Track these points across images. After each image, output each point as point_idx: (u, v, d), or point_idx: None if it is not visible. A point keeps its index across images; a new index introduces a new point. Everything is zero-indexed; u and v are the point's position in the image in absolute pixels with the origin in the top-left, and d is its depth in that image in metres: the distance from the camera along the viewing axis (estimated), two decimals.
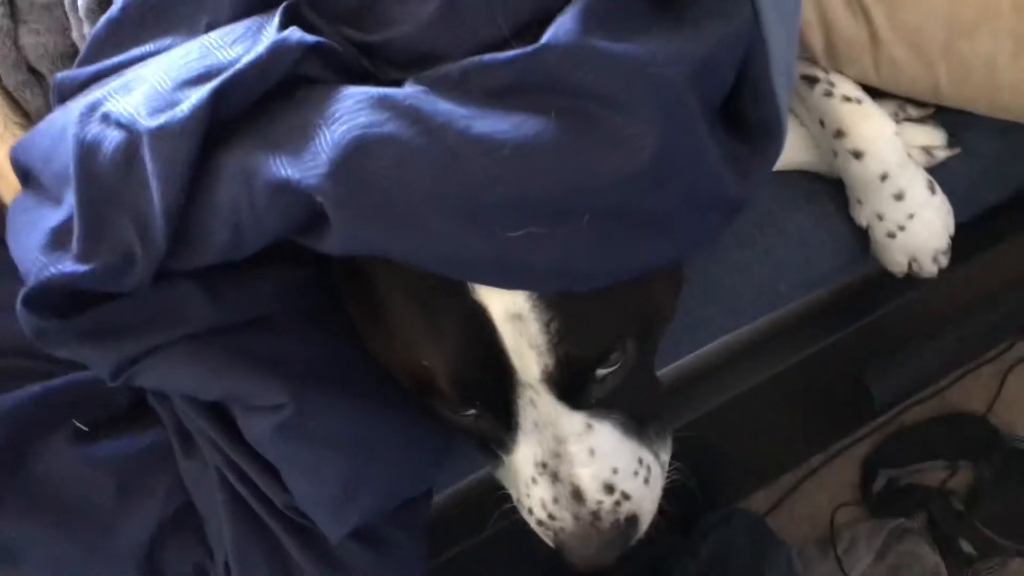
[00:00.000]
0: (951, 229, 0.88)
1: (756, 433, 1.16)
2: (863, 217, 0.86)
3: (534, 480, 0.67)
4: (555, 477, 0.66)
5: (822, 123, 0.84)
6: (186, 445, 0.67)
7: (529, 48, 0.54)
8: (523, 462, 0.67)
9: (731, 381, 0.96)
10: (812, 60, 0.85)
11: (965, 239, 1.00)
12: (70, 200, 0.57)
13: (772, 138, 0.63)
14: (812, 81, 0.84)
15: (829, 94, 0.83)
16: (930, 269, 0.88)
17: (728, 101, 0.64)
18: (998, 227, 1.04)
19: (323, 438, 0.60)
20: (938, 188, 0.86)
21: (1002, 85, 0.82)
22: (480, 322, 0.60)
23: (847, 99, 0.83)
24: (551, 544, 0.70)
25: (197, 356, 0.60)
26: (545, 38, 0.55)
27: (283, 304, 0.64)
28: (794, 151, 0.88)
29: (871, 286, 1.02)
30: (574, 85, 0.54)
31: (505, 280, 0.58)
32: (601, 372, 0.64)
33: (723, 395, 0.96)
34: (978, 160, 0.91)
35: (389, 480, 0.63)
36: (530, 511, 0.69)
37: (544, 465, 0.66)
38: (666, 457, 0.72)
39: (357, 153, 0.53)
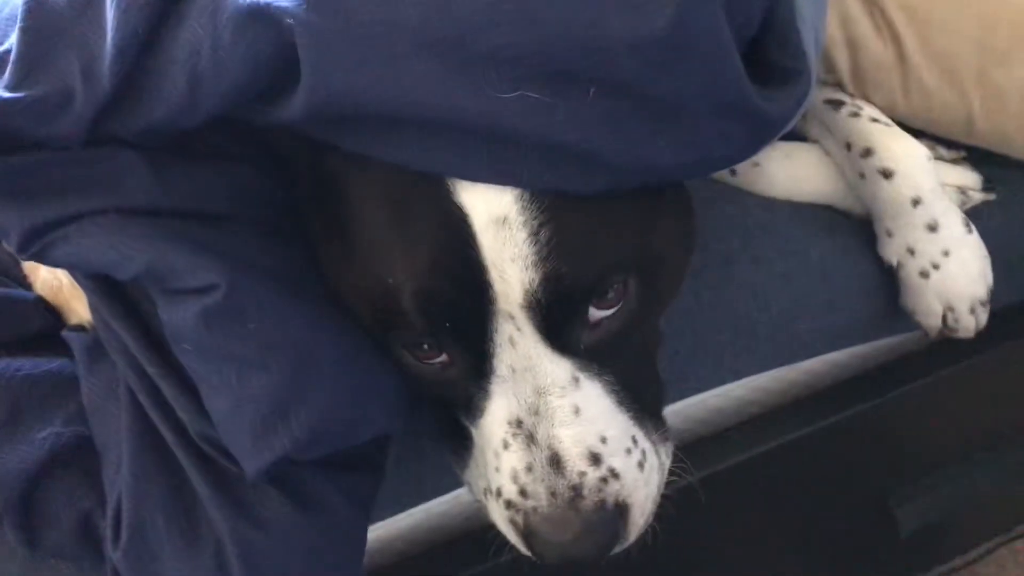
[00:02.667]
0: (989, 279, 0.79)
1: (756, 539, 1.01)
2: (893, 253, 0.79)
3: (506, 444, 0.55)
4: (531, 439, 0.54)
5: (848, 146, 0.79)
6: (95, 362, 0.57)
7: None
8: (494, 422, 0.56)
9: (739, 443, 0.85)
10: (838, 85, 0.81)
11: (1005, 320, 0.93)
12: (13, 38, 0.51)
13: (797, 82, 0.57)
14: (838, 105, 0.80)
15: (856, 115, 0.79)
16: (967, 323, 0.79)
17: (755, 51, 0.59)
18: None
19: (254, 334, 0.50)
20: (974, 229, 0.79)
21: None
22: (459, 229, 0.52)
23: (875, 120, 0.78)
24: (518, 540, 0.57)
25: (124, 227, 0.51)
26: None
27: (236, 206, 0.55)
28: (817, 181, 0.82)
29: (900, 361, 0.92)
30: None
31: (491, 163, 0.50)
32: (595, 313, 0.55)
33: (727, 459, 0.84)
34: (1017, 217, 0.85)
35: (327, 406, 0.52)
36: (498, 494, 0.56)
37: (519, 423, 0.55)
38: (667, 460, 0.61)
39: None
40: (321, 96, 0.48)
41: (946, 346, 0.96)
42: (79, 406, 0.57)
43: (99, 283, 0.54)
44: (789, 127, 0.60)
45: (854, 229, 0.81)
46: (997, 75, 0.77)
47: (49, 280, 0.62)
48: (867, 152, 0.77)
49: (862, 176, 0.78)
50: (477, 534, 0.77)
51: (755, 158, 0.83)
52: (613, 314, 0.55)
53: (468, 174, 0.51)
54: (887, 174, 0.76)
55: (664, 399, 0.64)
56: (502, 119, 0.48)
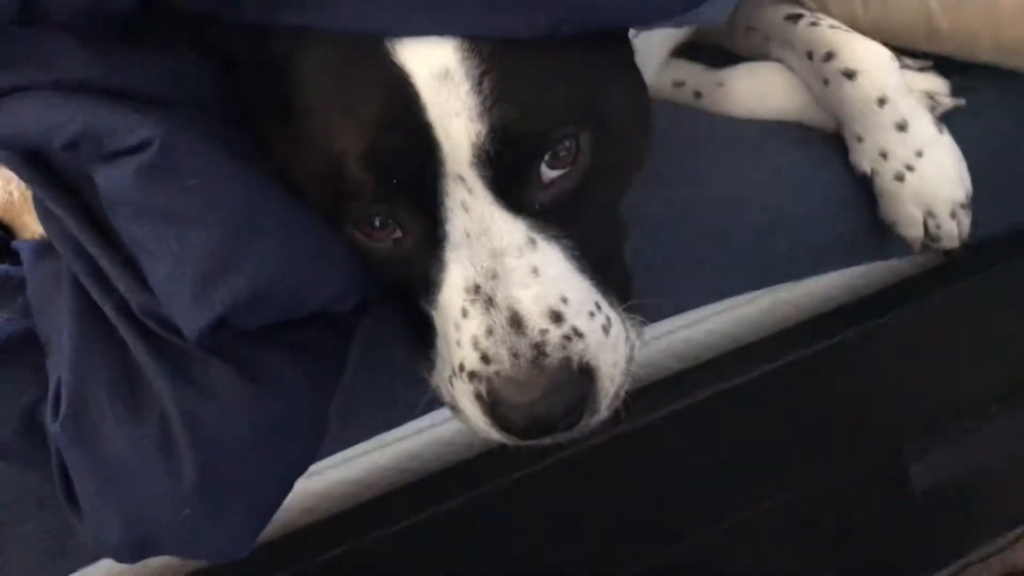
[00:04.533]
0: (967, 182, 0.78)
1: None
2: (865, 158, 0.77)
3: (464, 312, 0.53)
4: (489, 303, 0.52)
5: (810, 55, 0.78)
6: (40, 260, 0.55)
7: None
8: (452, 292, 0.54)
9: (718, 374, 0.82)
10: (796, 2, 0.81)
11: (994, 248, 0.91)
12: None
13: None
14: (797, 18, 0.80)
15: (816, 24, 0.78)
16: (949, 228, 0.77)
17: None
18: None
19: (192, 190, 0.49)
20: (946, 130, 0.77)
21: (1002, 13, 0.76)
22: (402, 89, 0.51)
23: (835, 27, 0.78)
24: (485, 420, 0.54)
25: (58, 95, 0.50)
26: None
27: (177, 91, 0.54)
28: (783, 96, 0.81)
29: (890, 288, 0.90)
30: None
31: (427, 11, 0.49)
32: (548, 172, 0.53)
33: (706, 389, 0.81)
34: (990, 126, 0.83)
35: (270, 266, 0.50)
36: (460, 369, 0.54)
37: (477, 289, 0.53)
38: (636, 339, 0.58)
39: None
40: None
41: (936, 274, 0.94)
42: (25, 302, 0.55)
43: (37, 168, 0.53)
44: (733, 3, 0.60)
45: (827, 142, 0.80)
46: None
47: (1, 195, 0.61)
48: (829, 56, 0.76)
49: (826, 82, 0.77)
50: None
51: (719, 77, 0.82)
52: (567, 173, 0.54)
53: (406, 28, 0.50)
54: (850, 75, 0.75)
55: (631, 288, 0.62)
56: None
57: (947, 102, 0.80)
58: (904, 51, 0.81)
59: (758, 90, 0.81)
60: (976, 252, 0.88)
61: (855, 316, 0.91)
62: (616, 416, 0.57)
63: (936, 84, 0.81)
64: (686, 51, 0.90)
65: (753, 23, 0.85)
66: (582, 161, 0.54)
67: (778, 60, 0.82)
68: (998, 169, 0.86)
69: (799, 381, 0.88)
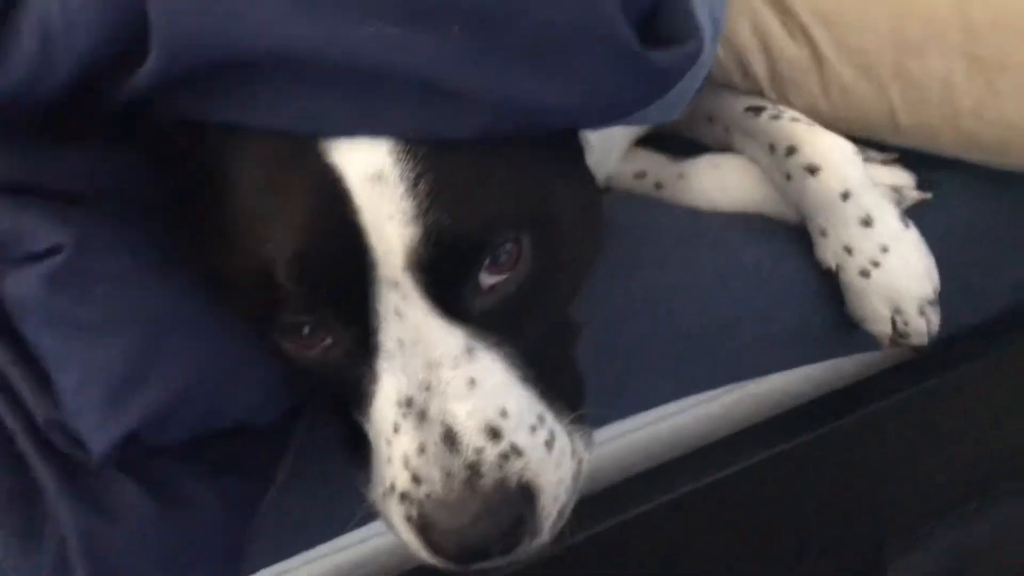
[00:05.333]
0: (935, 278, 0.76)
1: None
2: (830, 253, 0.75)
3: (396, 428, 0.50)
4: (423, 417, 0.49)
5: (772, 148, 0.76)
6: None
7: None
8: (384, 404, 0.50)
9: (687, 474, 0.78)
10: (758, 93, 0.80)
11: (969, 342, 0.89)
12: None
13: (688, 41, 0.56)
14: (759, 110, 0.79)
15: (777, 117, 0.77)
16: (918, 326, 0.75)
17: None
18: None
19: (103, 298, 0.46)
20: (912, 225, 0.76)
21: (962, 109, 0.75)
22: (334, 191, 0.48)
23: (796, 120, 0.76)
24: (416, 542, 0.50)
25: None
26: None
27: (99, 184, 0.52)
28: (745, 189, 0.79)
29: (861, 384, 0.87)
30: None
31: (357, 112, 0.48)
32: (488, 278, 0.51)
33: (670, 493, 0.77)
34: (957, 231, 0.82)
35: (182, 381, 0.46)
36: (391, 489, 0.50)
37: (410, 402, 0.50)
38: (584, 452, 0.55)
39: None
40: (170, 44, 0.45)
41: (909, 368, 0.92)
42: None
43: None
44: (683, 103, 0.58)
45: (790, 235, 0.78)
46: (913, 67, 0.75)
47: None
48: (791, 150, 0.75)
49: (789, 177, 0.75)
50: None
51: (680, 169, 0.81)
52: (508, 277, 0.51)
53: (337, 129, 0.48)
54: (812, 169, 0.73)
55: (583, 393, 0.59)
56: (364, 58, 0.46)
57: (913, 196, 0.79)
58: (869, 143, 0.80)
59: (720, 182, 0.79)
60: (948, 345, 0.86)
61: (828, 410, 0.88)
62: (561, 536, 0.53)
63: (901, 178, 0.80)
64: (649, 140, 0.88)
65: (714, 113, 0.84)
66: (524, 265, 0.51)
67: (741, 151, 0.81)
68: (967, 262, 0.85)
69: (769, 480, 0.85)
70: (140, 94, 0.50)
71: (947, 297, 0.78)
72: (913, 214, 0.79)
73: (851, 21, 0.77)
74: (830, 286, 0.77)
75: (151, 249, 0.51)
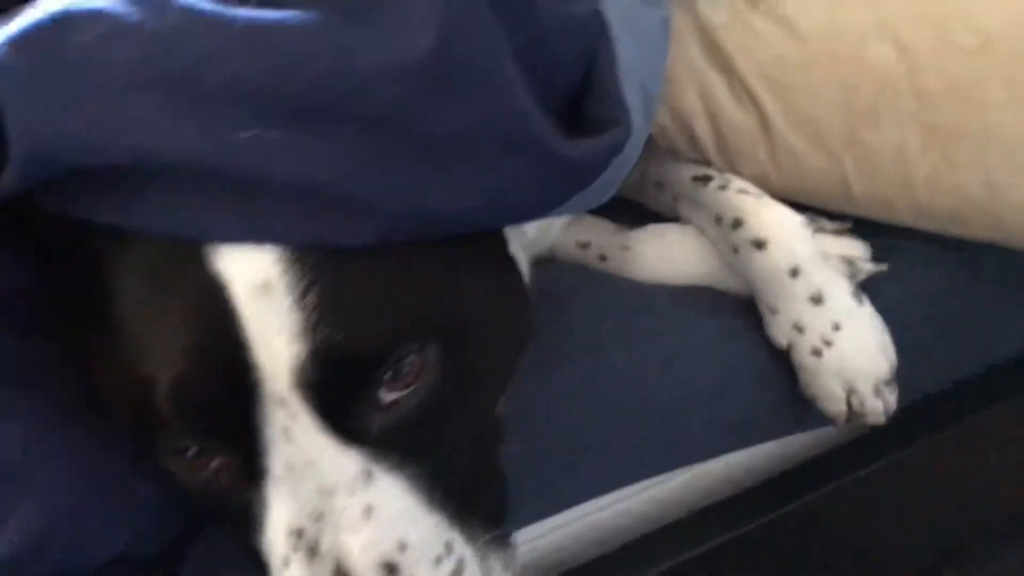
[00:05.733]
0: (891, 355, 0.72)
1: None
2: (780, 332, 0.71)
3: (286, 562, 0.45)
4: (313, 552, 0.45)
5: (719, 220, 0.73)
6: None
7: None
8: (275, 535, 0.46)
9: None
10: (705, 162, 0.77)
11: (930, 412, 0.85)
12: None
13: (612, 130, 0.52)
14: (706, 180, 0.75)
15: (724, 188, 0.73)
16: (874, 406, 0.71)
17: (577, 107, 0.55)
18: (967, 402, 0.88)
19: None
20: (866, 300, 0.72)
21: (917, 179, 0.72)
22: (218, 302, 0.44)
23: (744, 191, 0.73)
24: None
25: None
26: None
27: None
28: (692, 261, 0.75)
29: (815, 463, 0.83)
30: None
31: (241, 217, 0.43)
32: (388, 393, 0.47)
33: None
34: (915, 290, 0.78)
35: (48, 515, 0.42)
36: None
37: (300, 534, 0.45)
38: (505, 574, 0.51)
39: (57, 25, 0.43)
40: (29, 145, 0.41)
41: (868, 443, 0.88)
42: None
43: None
44: (611, 190, 0.55)
45: (740, 310, 0.74)
46: (866, 136, 0.72)
47: None
48: (737, 223, 0.71)
49: (736, 250, 0.72)
50: None
51: (625, 240, 0.77)
52: (411, 392, 0.47)
53: (220, 233, 0.44)
54: (759, 244, 0.70)
55: (507, 500, 0.55)
56: (243, 163, 0.42)
57: (867, 268, 0.75)
58: (821, 211, 0.77)
59: (666, 254, 0.75)
60: (914, 413, 0.82)
61: (787, 488, 0.84)
62: None
63: (855, 249, 0.76)
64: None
65: (662, 180, 0.80)
66: (429, 376, 0.47)
67: (688, 221, 0.77)
68: (927, 329, 0.81)
69: (728, 565, 0.81)
70: (8, 194, 0.46)
71: (908, 366, 0.75)
72: (869, 284, 0.76)
73: (800, 87, 0.73)
74: (783, 363, 0.73)
75: (28, 357, 0.46)
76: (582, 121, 0.55)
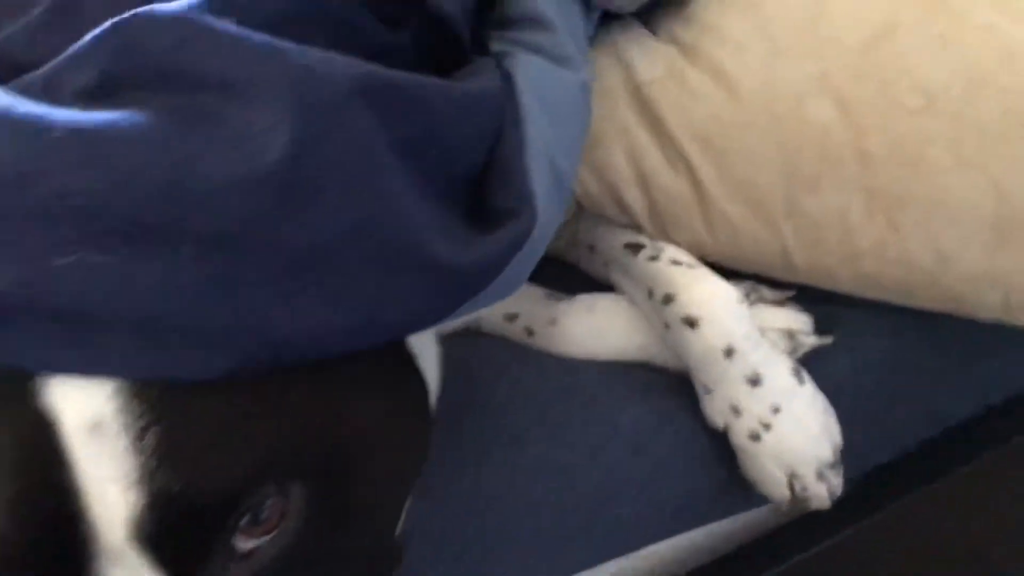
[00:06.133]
0: (836, 437, 0.68)
1: None
2: (716, 414, 0.67)
3: None
4: None
5: (650, 293, 0.68)
6: None
7: (122, 22, 0.41)
8: None
9: None
10: (637, 228, 0.72)
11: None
12: None
13: (511, 224, 0.47)
14: (637, 248, 0.70)
15: (655, 258, 0.69)
16: (818, 491, 0.67)
17: (481, 193, 0.50)
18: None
19: None
20: (808, 379, 0.67)
21: (861, 250, 0.67)
22: (46, 444, 0.38)
23: (676, 262, 0.68)
24: None
25: None
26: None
27: None
28: (624, 335, 0.70)
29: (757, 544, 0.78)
30: (182, 70, 0.40)
31: (71, 346, 0.38)
32: (243, 543, 0.41)
33: None
34: (864, 361, 0.74)
35: None
36: None
37: None
38: None
39: None
40: None
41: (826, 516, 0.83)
42: None
43: None
44: (518, 284, 0.50)
45: (675, 389, 0.69)
46: (808, 204, 0.67)
47: None
48: (668, 299, 0.66)
49: (667, 327, 0.67)
50: None
51: (553, 313, 0.72)
52: (272, 539, 0.41)
53: (47, 364, 0.39)
54: (691, 322, 0.65)
55: None
56: (61, 293, 0.36)
57: (809, 342, 0.71)
58: (761, 277, 0.72)
59: (596, 328, 0.71)
60: (867, 484, 0.78)
61: (738, 568, 0.79)
62: None
63: (797, 321, 0.71)
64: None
65: (595, 244, 0.75)
66: (295, 519, 0.42)
67: (621, 291, 0.72)
68: (877, 401, 0.76)
69: None
70: None
71: (860, 436, 0.71)
72: (813, 356, 0.71)
73: (737, 150, 0.69)
74: (723, 443, 0.68)
75: None
76: (485, 210, 0.50)
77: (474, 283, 0.45)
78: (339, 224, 0.39)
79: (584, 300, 0.72)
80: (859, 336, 0.74)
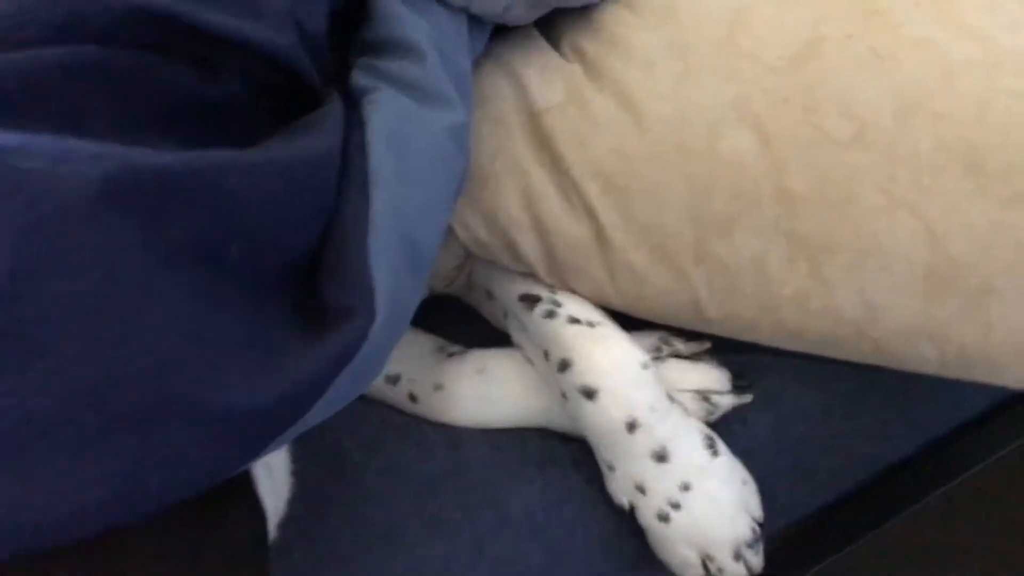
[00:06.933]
0: (755, 511, 0.61)
1: None
2: (620, 492, 0.59)
3: None
4: None
5: (547, 355, 0.60)
6: None
7: None
8: None
9: None
10: (534, 276, 0.63)
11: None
12: None
13: (346, 325, 0.39)
14: (532, 302, 0.62)
15: (552, 315, 0.60)
16: (735, 571, 0.60)
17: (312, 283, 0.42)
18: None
19: None
20: (724, 449, 0.60)
21: (781, 300, 0.59)
22: None
23: (574, 320, 0.60)
24: None
25: None
26: None
27: None
28: (518, 400, 0.63)
29: None
30: None
31: None
32: None
33: None
34: (791, 414, 0.67)
35: None
36: None
37: None
38: None
39: None
40: None
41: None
42: None
43: None
44: (352, 396, 0.42)
45: (576, 459, 0.62)
46: (721, 249, 0.59)
47: None
48: (564, 365, 0.58)
49: (565, 396, 0.59)
50: None
51: (438, 377, 0.64)
52: None
53: None
54: (590, 393, 0.57)
55: None
56: None
57: (726, 402, 0.63)
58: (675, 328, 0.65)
59: (488, 394, 0.62)
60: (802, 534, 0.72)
61: None
62: None
63: (712, 379, 0.64)
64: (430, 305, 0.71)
65: (493, 290, 0.67)
66: None
67: (518, 346, 0.64)
68: (806, 452, 0.70)
69: None
70: None
71: (790, 487, 0.65)
72: (733, 413, 0.64)
73: (642, 189, 0.60)
74: (629, 522, 0.61)
75: None
76: (316, 304, 0.41)
77: (282, 420, 0.36)
78: (74, 383, 0.30)
79: (474, 360, 0.63)
80: (784, 387, 0.67)
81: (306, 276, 0.41)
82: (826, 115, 0.60)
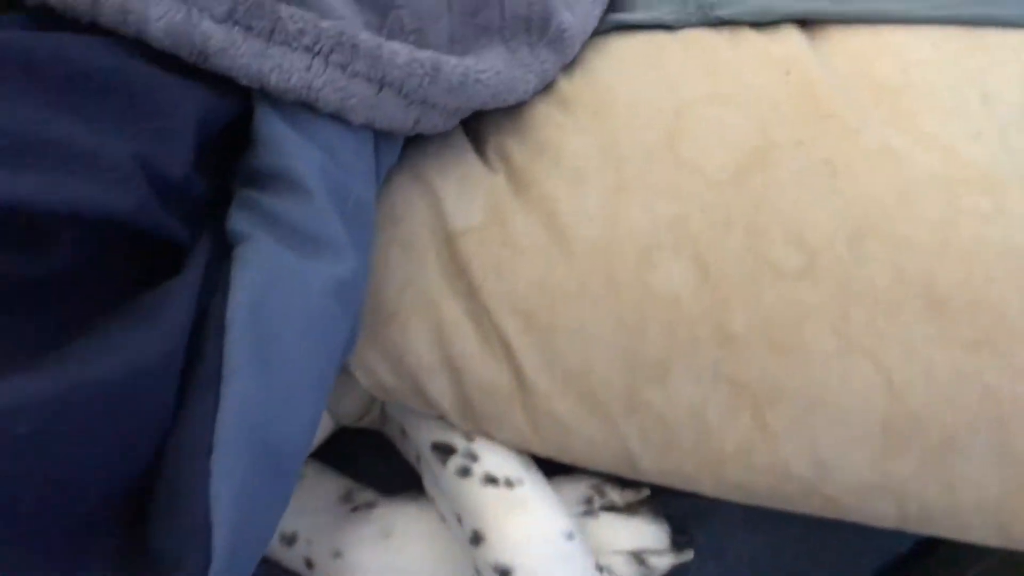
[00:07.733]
0: None
1: None
2: None
3: None
4: None
5: (460, 520, 0.53)
6: None
7: None
8: None
9: None
10: (448, 422, 0.56)
11: None
12: None
13: (177, 572, 0.32)
14: (446, 453, 0.55)
15: (466, 472, 0.53)
16: None
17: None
18: None
19: None
20: None
21: (723, 454, 0.53)
22: None
23: (491, 480, 0.53)
24: None
25: None
26: None
27: None
28: (427, 569, 0.55)
29: None
30: None
31: None
32: None
33: None
34: (740, 570, 0.60)
35: None
36: None
37: None
38: None
39: None
40: None
41: None
42: None
43: None
44: None
45: None
46: (653, 397, 0.53)
47: None
48: (476, 538, 0.51)
49: (477, 572, 0.52)
50: None
51: (337, 544, 0.56)
52: None
53: None
54: (504, 572, 0.50)
55: None
56: None
57: (664, 564, 0.56)
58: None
59: (391, 561, 0.55)
60: None
61: None
62: None
63: (649, 537, 0.57)
64: (341, 437, 0.64)
65: (405, 428, 0.60)
66: None
67: (432, 500, 0.57)
68: None
69: None
70: None
71: None
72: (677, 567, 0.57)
73: (567, 327, 0.54)
74: None
75: None
76: (145, 548, 0.34)
77: None
78: None
79: (381, 519, 0.56)
80: (730, 534, 0.60)
81: (135, 513, 0.34)
82: (772, 242, 0.54)
